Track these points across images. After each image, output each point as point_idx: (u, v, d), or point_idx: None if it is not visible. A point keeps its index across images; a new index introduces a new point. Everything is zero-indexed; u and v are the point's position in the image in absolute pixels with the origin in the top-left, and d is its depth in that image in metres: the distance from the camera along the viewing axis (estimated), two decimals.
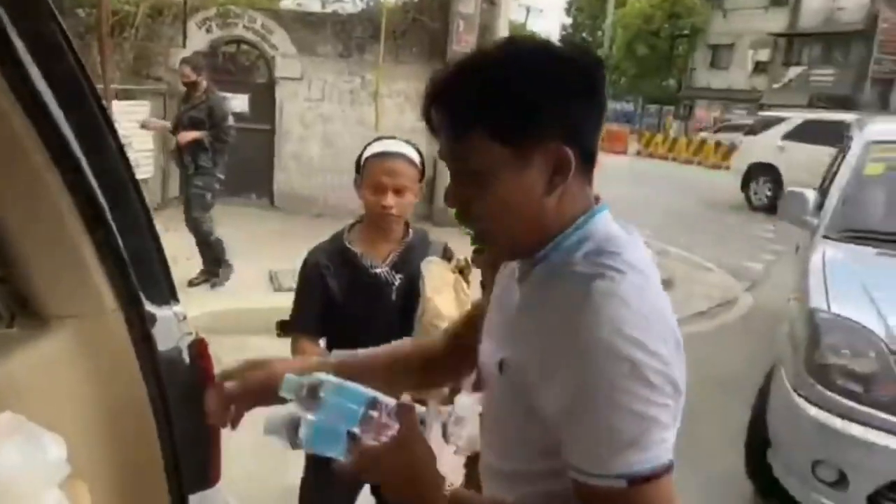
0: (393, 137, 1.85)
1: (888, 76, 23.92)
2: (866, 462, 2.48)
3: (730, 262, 7.93)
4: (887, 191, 3.65)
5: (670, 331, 0.81)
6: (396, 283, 1.79)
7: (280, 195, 8.30)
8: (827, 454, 2.57)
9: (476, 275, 1.58)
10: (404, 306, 1.79)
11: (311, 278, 1.81)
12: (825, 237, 3.41)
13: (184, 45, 7.46)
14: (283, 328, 1.91)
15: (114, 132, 1.08)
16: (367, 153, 1.80)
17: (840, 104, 24.55)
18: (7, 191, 0.98)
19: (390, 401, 0.94)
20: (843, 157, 4.08)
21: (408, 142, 1.83)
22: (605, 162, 2.02)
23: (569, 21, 45.00)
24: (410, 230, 1.88)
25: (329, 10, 8.38)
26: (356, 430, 0.91)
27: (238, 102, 7.99)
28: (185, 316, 1.30)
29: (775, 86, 28.25)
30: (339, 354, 1.22)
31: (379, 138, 1.87)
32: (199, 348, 1.26)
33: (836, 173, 4.17)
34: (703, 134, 25.41)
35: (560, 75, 0.83)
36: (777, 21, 28.59)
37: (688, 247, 8.22)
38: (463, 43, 7.41)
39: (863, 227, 3.43)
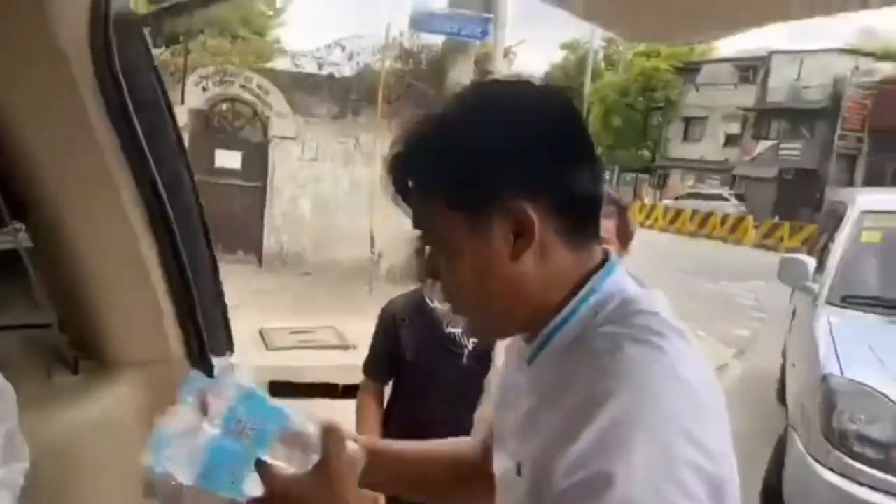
0: None
1: (852, 152, 24.91)
2: None
3: (716, 329, 7.98)
4: (885, 258, 3.74)
5: (723, 409, 0.67)
6: (469, 347, 1.71)
7: (269, 253, 8.26)
8: None
9: None
10: (476, 370, 1.65)
11: (381, 331, 1.80)
12: (828, 303, 3.47)
13: (182, 102, 7.53)
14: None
15: (195, 189, 1.15)
16: None
17: (808, 177, 25.50)
18: (104, 245, 1.02)
19: (305, 420, 0.72)
20: (837, 225, 4.19)
21: None
22: None
23: None
24: None
25: (325, 72, 8.55)
26: (266, 456, 0.69)
27: (231, 159, 8.07)
28: (236, 367, 1.27)
29: (746, 158, 29.24)
30: (377, 442, 1.00)
31: None
32: None
33: (827, 241, 4.28)
34: (666, 201, 26.15)
35: (516, 122, 0.71)
36: (747, 96, 29.84)
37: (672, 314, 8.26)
38: None
39: (864, 294, 3.50)
